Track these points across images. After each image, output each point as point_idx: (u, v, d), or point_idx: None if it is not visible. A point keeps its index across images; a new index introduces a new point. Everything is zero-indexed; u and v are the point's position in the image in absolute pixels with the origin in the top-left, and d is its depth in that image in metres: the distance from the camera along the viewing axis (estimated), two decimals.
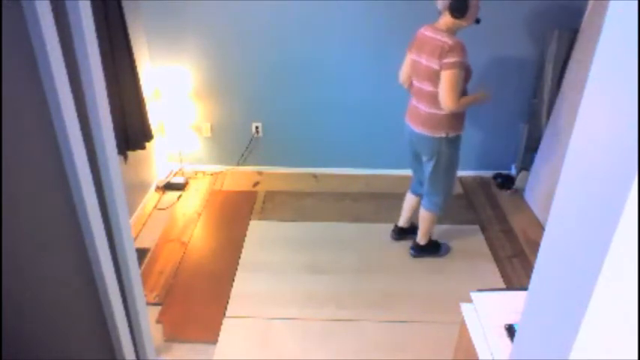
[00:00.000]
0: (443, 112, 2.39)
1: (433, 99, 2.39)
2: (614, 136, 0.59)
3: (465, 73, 2.33)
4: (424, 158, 2.62)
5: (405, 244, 2.98)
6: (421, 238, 2.89)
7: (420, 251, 2.91)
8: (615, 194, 0.56)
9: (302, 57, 3.37)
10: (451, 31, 2.31)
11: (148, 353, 1.22)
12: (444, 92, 2.30)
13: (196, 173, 3.77)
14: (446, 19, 2.32)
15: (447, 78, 2.28)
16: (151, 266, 2.82)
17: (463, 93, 2.40)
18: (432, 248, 2.92)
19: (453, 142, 2.53)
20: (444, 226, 3.14)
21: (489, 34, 3.24)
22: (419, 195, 2.84)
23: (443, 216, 2.85)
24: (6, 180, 0.86)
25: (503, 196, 3.52)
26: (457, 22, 2.29)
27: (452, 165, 2.62)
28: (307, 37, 3.32)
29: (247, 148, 3.71)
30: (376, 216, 3.25)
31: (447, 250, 2.96)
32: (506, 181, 3.60)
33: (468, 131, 3.60)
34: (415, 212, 2.92)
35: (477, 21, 2.35)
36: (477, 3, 2.28)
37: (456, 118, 2.45)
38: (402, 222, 3.01)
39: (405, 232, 3.02)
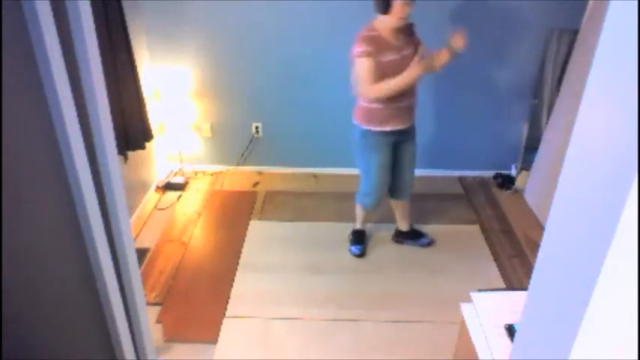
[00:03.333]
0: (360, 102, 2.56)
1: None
2: (614, 136, 0.59)
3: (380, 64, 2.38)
4: None
5: (405, 245, 2.99)
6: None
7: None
8: (615, 194, 0.56)
9: (302, 57, 3.37)
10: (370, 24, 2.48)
11: (148, 353, 1.22)
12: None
13: (196, 173, 3.77)
14: None
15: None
16: (150, 266, 2.82)
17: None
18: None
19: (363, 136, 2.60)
20: (445, 226, 3.14)
21: (489, 34, 3.24)
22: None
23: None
24: (6, 180, 0.86)
25: (503, 196, 3.52)
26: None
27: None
28: (307, 36, 3.32)
29: (247, 148, 3.71)
30: (376, 216, 3.25)
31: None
32: (506, 181, 3.60)
33: (468, 131, 3.63)
34: (402, 211, 2.95)
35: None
36: None
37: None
38: (399, 225, 3.02)
39: (404, 236, 3.01)
